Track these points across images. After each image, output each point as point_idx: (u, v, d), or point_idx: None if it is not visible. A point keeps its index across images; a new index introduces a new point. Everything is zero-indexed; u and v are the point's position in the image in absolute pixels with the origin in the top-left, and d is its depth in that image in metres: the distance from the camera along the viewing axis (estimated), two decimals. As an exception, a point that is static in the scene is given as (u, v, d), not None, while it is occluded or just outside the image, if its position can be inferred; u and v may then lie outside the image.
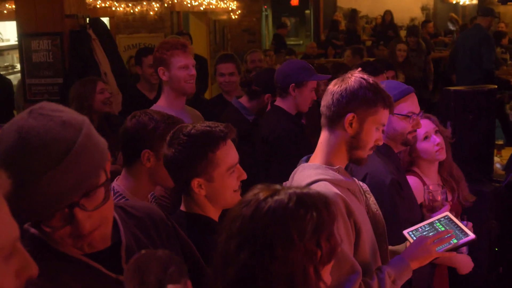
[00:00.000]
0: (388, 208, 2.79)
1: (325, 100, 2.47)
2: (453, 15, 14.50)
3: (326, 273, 1.68)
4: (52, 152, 1.42)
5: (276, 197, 1.63)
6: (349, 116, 2.39)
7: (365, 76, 2.45)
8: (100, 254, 1.61)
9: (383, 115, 2.45)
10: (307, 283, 1.61)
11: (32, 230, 1.58)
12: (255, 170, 3.29)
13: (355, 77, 2.44)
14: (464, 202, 3.55)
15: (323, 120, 2.50)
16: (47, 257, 1.53)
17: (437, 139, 3.41)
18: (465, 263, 3.28)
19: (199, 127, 2.28)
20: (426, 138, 3.40)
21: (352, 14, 14.40)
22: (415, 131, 3.11)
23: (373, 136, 2.44)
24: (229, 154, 2.29)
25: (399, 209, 2.86)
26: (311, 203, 1.62)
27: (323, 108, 2.48)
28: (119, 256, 1.65)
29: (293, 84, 4.10)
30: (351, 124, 2.40)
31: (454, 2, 16.01)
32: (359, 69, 2.55)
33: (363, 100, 2.39)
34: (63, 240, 1.53)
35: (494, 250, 4.42)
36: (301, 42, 20.05)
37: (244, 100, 4.78)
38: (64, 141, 1.44)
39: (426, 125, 3.41)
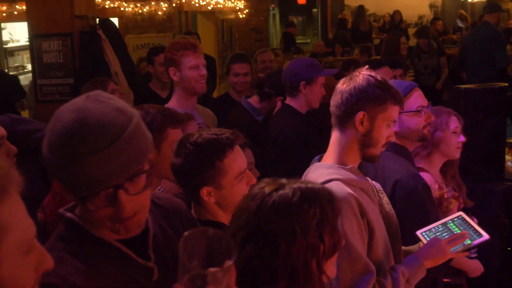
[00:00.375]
0: (420, 215, 2.77)
1: (334, 100, 2.47)
2: (463, 12, 14.42)
3: (330, 267, 1.70)
4: (107, 133, 1.50)
5: (280, 192, 1.67)
6: (360, 114, 2.39)
7: (373, 74, 2.45)
8: (130, 241, 1.67)
9: (393, 111, 2.44)
10: (309, 276, 1.64)
11: (68, 214, 1.66)
12: (264, 170, 3.29)
13: (363, 75, 2.44)
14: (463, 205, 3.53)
15: (333, 120, 2.49)
16: (82, 240, 1.62)
17: (463, 138, 3.39)
18: (475, 267, 3.28)
19: (206, 136, 2.27)
20: (455, 132, 3.37)
21: (360, 11, 14.32)
22: (429, 124, 3.07)
23: (385, 133, 2.43)
24: (237, 161, 2.28)
25: (430, 214, 2.82)
26: (315, 198, 1.66)
27: (332, 108, 2.48)
28: (147, 244, 1.71)
29: (303, 82, 4.10)
30: (362, 123, 2.40)
31: (462, -1, 15.99)
32: (366, 66, 2.55)
33: (372, 98, 2.39)
34: (102, 222, 1.60)
35: (506, 250, 4.42)
36: (308, 40, 20.03)
37: (254, 100, 4.78)
38: (117, 125, 1.52)
39: (456, 121, 3.39)
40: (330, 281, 1.72)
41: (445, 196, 3.06)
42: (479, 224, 2.66)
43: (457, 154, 3.42)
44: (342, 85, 2.45)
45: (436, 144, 3.37)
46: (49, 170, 1.55)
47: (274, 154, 4.09)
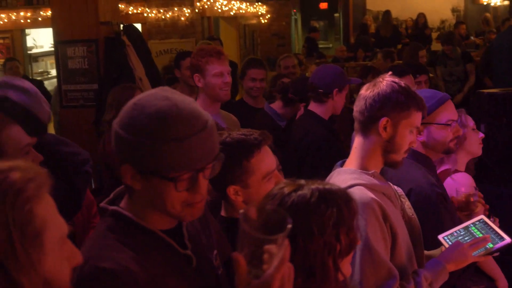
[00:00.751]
0: (434, 224, 2.77)
1: (358, 106, 2.48)
2: (488, 15, 14.29)
3: (345, 265, 1.76)
4: (198, 120, 1.66)
5: (299, 192, 1.73)
6: (383, 120, 2.40)
7: (397, 80, 2.46)
8: (168, 231, 1.77)
9: (416, 117, 2.45)
10: (326, 274, 1.70)
11: (113, 207, 1.74)
12: (286, 175, 3.31)
13: (387, 81, 2.45)
14: None
15: (356, 125, 2.51)
16: (131, 230, 1.71)
17: (481, 134, 3.42)
18: (504, 281, 3.27)
19: (234, 136, 2.30)
20: (474, 129, 3.40)
21: (385, 16, 14.25)
22: (456, 138, 3.07)
23: (407, 139, 2.44)
24: (264, 161, 2.30)
25: (445, 223, 2.82)
26: (332, 199, 1.72)
27: (356, 114, 2.49)
28: (182, 234, 1.81)
29: (336, 89, 4.11)
30: (385, 128, 2.41)
31: (485, 3, 15.83)
32: (390, 72, 2.56)
33: (396, 104, 2.40)
34: (173, 206, 1.69)
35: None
36: (330, 45, 20.03)
37: (277, 106, 4.80)
38: (203, 115, 1.69)
39: (471, 119, 3.43)
40: (347, 280, 1.78)
41: (472, 200, 3.06)
42: (502, 228, 2.66)
43: (479, 151, 3.45)
44: (366, 91, 2.47)
45: (460, 142, 3.36)
46: (129, 153, 1.64)
47: (297, 160, 4.11)
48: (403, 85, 2.45)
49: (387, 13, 14.16)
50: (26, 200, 1.10)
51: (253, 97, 5.37)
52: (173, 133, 1.60)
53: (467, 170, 3.53)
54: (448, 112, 3.03)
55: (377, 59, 8.49)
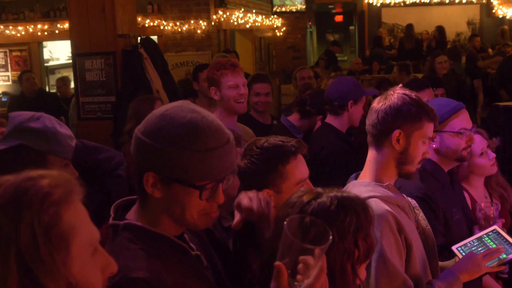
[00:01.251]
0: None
1: (370, 119, 2.51)
2: (505, 27, 14.23)
3: (362, 270, 1.80)
4: (224, 134, 1.75)
5: (319, 200, 1.76)
6: (396, 132, 2.43)
7: (407, 92, 2.49)
8: (177, 236, 1.83)
9: (429, 128, 2.48)
10: (345, 279, 1.74)
11: (124, 221, 1.78)
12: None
13: (398, 93, 2.48)
14: None
15: (369, 139, 2.54)
16: (148, 239, 1.76)
17: (492, 154, 3.42)
18: None
19: (272, 141, 2.36)
20: (482, 154, 3.41)
21: (408, 29, 14.24)
22: (469, 146, 3.09)
23: (420, 149, 2.47)
24: (299, 168, 2.34)
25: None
26: (350, 206, 1.76)
27: (368, 127, 2.52)
28: (184, 237, 1.87)
29: (351, 101, 4.13)
30: (398, 141, 2.44)
31: (500, 16, 15.78)
32: (400, 85, 2.59)
33: (408, 116, 2.43)
34: (192, 215, 1.75)
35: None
36: (345, 58, 20.03)
37: (294, 118, 4.82)
38: (226, 130, 1.78)
39: (480, 141, 3.41)
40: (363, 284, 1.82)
41: (492, 216, 3.06)
42: None
43: (493, 170, 3.46)
44: (378, 104, 2.50)
45: (471, 170, 3.44)
46: (154, 161, 1.69)
47: (314, 172, 4.10)
48: (414, 96, 2.48)
49: (410, 26, 14.18)
50: (51, 204, 1.13)
51: (259, 112, 5.35)
52: (203, 144, 1.68)
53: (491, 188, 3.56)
54: (462, 121, 3.05)
55: (393, 72, 8.49)
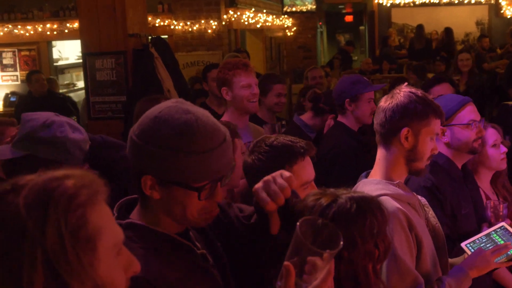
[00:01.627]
0: None
1: (378, 118, 2.54)
2: (515, 27, 14.17)
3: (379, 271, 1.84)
4: (219, 134, 1.73)
5: (339, 203, 1.77)
6: (404, 130, 2.45)
7: (413, 90, 2.51)
8: (180, 234, 1.83)
9: (436, 125, 2.50)
10: (369, 281, 1.75)
11: (126, 221, 1.77)
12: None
13: (404, 91, 2.50)
14: None
15: (378, 138, 2.56)
16: (150, 238, 1.75)
17: (504, 148, 3.43)
18: None
19: (282, 140, 2.38)
20: (494, 145, 3.42)
21: (419, 29, 14.24)
22: (480, 138, 3.13)
23: (429, 146, 2.49)
24: (305, 170, 2.36)
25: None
26: (369, 208, 1.77)
27: (376, 126, 2.55)
28: (189, 236, 1.86)
29: (347, 99, 4.13)
30: (406, 138, 2.46)
31: (509, 16, 15.72)
32: (405, 83, 2.62)
33: (415, 113, 2.45)
34: (192, 214, 1.74)
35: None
36: (355, 58, 20.01)
37: (307, 117, 4.81)
38: (222, 129, 1.75)
39: (494, 134, 3.44)
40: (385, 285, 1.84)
41: (501, 214, 3.07)
42: None
43: (502, 165, 3.47)
44: (385, 103, 2.52)
45: (481, 160, 3.43)
46: (151, 165, 1.69)
47: (324, 170, 4.11)
48: (420, 94, 2.50)
49: (420, 26, 14.18)
50: (78, 205, 1.12)
51: (275, 113, 5.30)
52: (199, 146, 1.66)
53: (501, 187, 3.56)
54: (470, 113, 3.10)
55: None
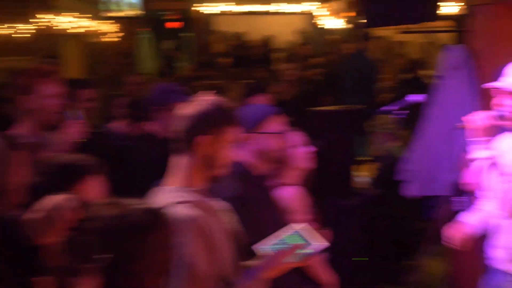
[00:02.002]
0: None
1: (176, 125, 2.54)
2: (332, 37, 15.07)
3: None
4: None
5: (120, 214, 1.74)
6: (201, 138, 2.47)
7: (211, 98, 2.56)
8: None
9: (232, 133, 2.54)
10: None
11: None
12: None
13: (202, 100, 2.55)
14: None
15: (176, 145, 2.55)
16: None
17: (310, 148, 3.58)
18: (329, 278, 3.45)
19: (64, 158, 2.41)
20: (298, 147, 3.55)
21: (238, 37, 14.64)
22: (284, 148, 3.23)
23: (227, 153, 2.54)
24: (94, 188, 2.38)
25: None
26: (156, 221, 1.78)
27: (175, 133, 2.55)
28: None
29: (155, 107, 4.15)
30: (203, 146, 2.48)
31: (325, 26, 16.63)
32: (204, 92, 2.66)
33: (211, 121, 2.49)
34: None
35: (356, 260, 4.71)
36: (180, 64, 20.06)
37: (120, 124, 4.75)
38: None
39: (298, 136, 3.58)
40: None
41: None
42: (336, 235, 2.79)
43: (308, 164, 3.61)
44: (183, 111, 2.54)
45: (286, 160, 3.51)
46: None
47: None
48: (217, 102, 2.54)
49: (239, 34, 14.68)
50: None
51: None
52: None
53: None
54: (276, 123, 3.18)
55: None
